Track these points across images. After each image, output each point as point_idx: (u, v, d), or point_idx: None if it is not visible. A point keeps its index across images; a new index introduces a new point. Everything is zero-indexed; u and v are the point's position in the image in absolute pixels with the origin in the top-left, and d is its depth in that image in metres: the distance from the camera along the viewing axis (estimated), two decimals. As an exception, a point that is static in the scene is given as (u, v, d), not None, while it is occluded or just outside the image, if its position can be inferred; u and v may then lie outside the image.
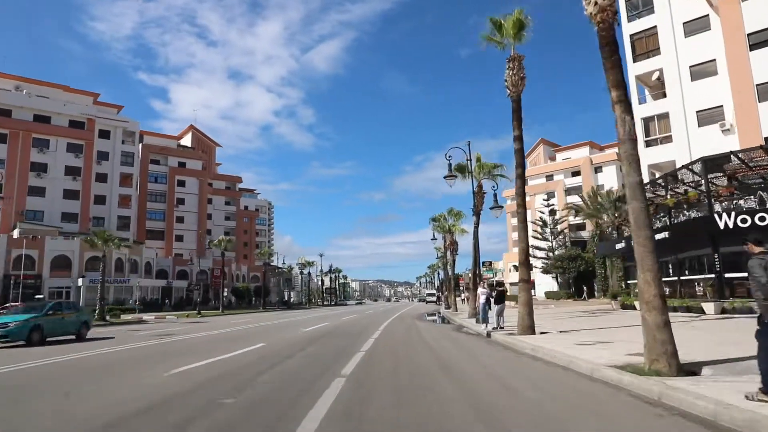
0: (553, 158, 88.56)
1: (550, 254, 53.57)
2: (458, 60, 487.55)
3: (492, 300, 18.51)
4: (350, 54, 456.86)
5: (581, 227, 71.17)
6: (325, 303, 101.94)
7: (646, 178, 33.64)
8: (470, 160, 25.42)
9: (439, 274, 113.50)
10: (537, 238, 56.66)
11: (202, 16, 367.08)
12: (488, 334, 16.42)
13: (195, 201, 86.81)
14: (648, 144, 33.64)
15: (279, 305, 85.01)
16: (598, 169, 79.82)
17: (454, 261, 39.47)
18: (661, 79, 33.28)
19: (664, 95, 33.45)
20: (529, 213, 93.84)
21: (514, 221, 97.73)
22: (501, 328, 17.29)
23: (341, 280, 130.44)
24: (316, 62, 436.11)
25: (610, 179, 78.05)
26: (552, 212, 56.57)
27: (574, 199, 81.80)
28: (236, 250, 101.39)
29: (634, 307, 25.49)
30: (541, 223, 56.32)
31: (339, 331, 20.77)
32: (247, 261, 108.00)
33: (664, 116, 32.88)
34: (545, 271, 52.81)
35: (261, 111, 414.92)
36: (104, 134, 66.52)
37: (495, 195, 24.39)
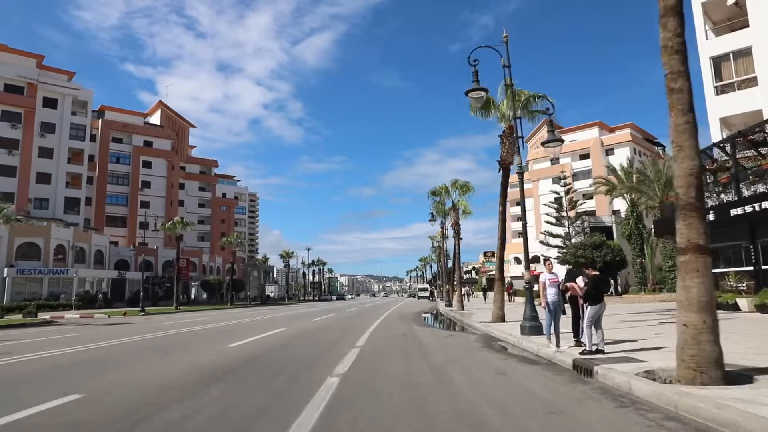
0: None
1: (567, 242, 45.20)
2: (448, 55, 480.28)
3: (575, 296, 10.12)
4: (340, 47, 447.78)
5: (590, 213, 62.92)
6: (308, 298, 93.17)
7: (717, 136, 25.24)
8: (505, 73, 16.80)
9: (431, 267, 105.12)
10: (551, 223, 48.19)
11: (191, 6, 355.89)
12: (577, 368, 7.87)
13: (163, 184, 77.47)
14: (721, 91, 25.20)
15: (252, 301, 76.05)
16: (609, 152, 71.71)
17: (458, 246, 30.87)
18: (739, 3, 24.77)
19: (741, 28, 25.05)
20: (530, 202, 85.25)
21: (514, 210, 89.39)
22: (599, 351, 8.67)
23: (327, 274, 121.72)
24: (306, 55, 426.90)
25: (623, 162, 69.86)
26: (569, 191, 48.15)
27: (584, 184, 73.75)
28: (212, 241, 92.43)
29: None
30: (556, 205, 47.83)
31: (279, 356, 10.62)
32: (224, 252, 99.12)
33: (744, 53, 24.42)
34: (563, 261, 44.38)
35: (250, 104, 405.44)
36: (50, 103, 57.02)
37: (551, 122, 15.72)
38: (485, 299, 46.84)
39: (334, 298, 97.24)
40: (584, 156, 73.94)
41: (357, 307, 44.52)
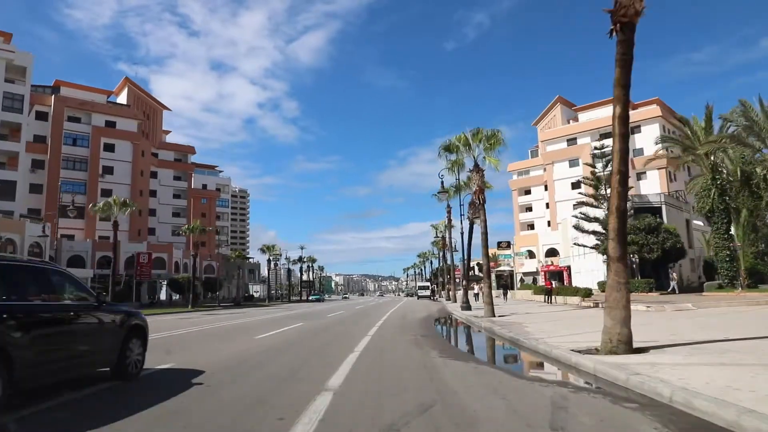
0: (575, 120, 70.64)
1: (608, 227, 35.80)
2: (444, 54, 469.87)
3: None
4: (335, 46, 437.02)
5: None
6: (294, 299, 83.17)
7: None
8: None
9: (431, 263, 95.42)
10: (587, 204, 38.55)
11: (184, 4, 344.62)
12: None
13: (128, 170, 67.51)
14: None
15: (225, 302, 66.12)
16: (634, 129, 62.16)
17: (485, 224, 20.84)
18: None
19: None
20: (539, 191, 75.71)
21: (522, 199, 79.84)
22: None
23: (319, 272, 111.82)
24: (300, 54, 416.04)
25: (652, 141, 60.31)
26: (608, 163, 38.47)
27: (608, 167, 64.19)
28: (188, 236, 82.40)
29: None
30: (593, 181, 38.16)
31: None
32: (205, 249, 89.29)
33: None
34: (604, 250, 34.63)
35: (244, 103, 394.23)
36: (-24, 66, 47.15)
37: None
38: (505, 299, 37.22)
39: (326, 297, 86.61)
40: (606, 135, 64.38)
41: (344, 310, 34.77)
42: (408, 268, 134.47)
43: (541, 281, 61.00)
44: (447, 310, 29.30)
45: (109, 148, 65.78)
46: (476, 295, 35.19)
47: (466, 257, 31.58)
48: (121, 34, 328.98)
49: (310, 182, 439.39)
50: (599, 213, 36.72)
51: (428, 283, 69.86)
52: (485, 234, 21.17)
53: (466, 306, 25.45)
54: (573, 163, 65.64)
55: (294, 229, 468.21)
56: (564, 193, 66.35)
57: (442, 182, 27.52)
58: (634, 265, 36.33)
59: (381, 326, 17.87)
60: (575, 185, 65.44)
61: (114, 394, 6.35)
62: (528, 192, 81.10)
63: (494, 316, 19.43)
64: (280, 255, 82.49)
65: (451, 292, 44.99)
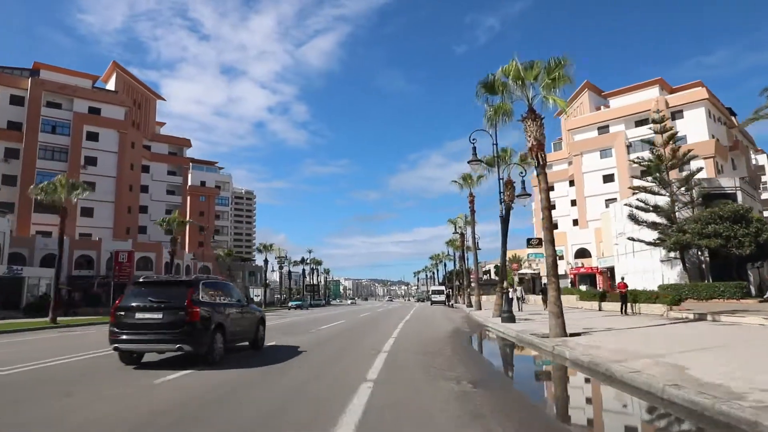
0: (605, 106, 63.20)
1: (674, 216, 28.30)
2: (454, 57, 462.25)
3: None
4: (345, 49, 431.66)
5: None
6: (291, 306, 76.21)
7: None
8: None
9: (445, 265, 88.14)
10: (646, 190, 31.13)
11: (194, 9, 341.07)
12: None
13: (113, 162, 61.08)
14: None
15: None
16: (676, 115, 54.64)
17: (547, 195, 13.70)
18: None
19: None
20: (563, 186, 68.32)
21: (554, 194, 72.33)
22: None
23: (325, 275, 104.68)
24: (310, 57, 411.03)
25: (696, 128, 52.94)
26: (670, 138, 31.24)
27: (644, 156, 56.74)
28: (182, 235, 75.93)
29: None
30: (652, 161, 30.64)
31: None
32: (201, 249, 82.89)
33: None
34: (677, 244, 27.18)
35: (254, 107, 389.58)
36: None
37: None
38: (545, 306, 29.99)
39: (337, 302, 79.05)
40: (642, 122, 57.01)
41: (343, 320, 27.69)
42: (419, 272, 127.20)
43: (568, 284, 53.68)
44: (477, 321, 22.17)
45: (93, 137, 59.41)
46: (512, 301, 28.01)
47: (502, 250, 24.46)
48: (133, 39, 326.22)
49: (320, 186, 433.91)
50: (661, 201, 29.41)
51: (442, 288, 62.55)
52: (547, 210, 14.22)
53: (508, 316, 18.30)
54: (605, 153, 58.25)
55: (303, 233, 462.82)
56: (594, 187, 58.94)
57: (474, 148, 20.35)
58: (703, 265, 29.00)
59: (391, 351, 10.83)
60: (607, 178, 58.09)
61: (256, 356, 10.72)
62: (550, 188, 73.48)
63: (566, 334, 12.35)
64: (285, 257, 75.80)
65: (473, 298, 37.88)
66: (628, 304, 20.27)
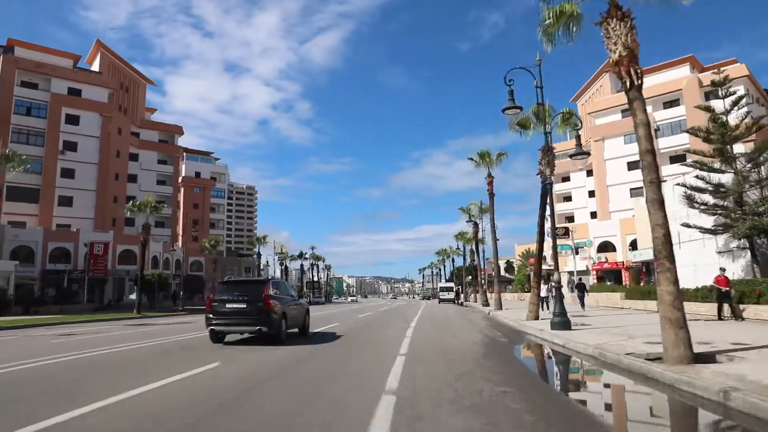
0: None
1: (742, 198, 22.86)
2: (458, 54, 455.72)
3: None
4: (348, 46, 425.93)
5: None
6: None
7: None
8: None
9: (453, 261, 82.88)
10: (699, 166, 25.66)
11: (198, 5, 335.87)
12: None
13: (95, 147, 56.07)
14: None
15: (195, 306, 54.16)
16: (710, 95, 49.12)
17: (649, 140, 8.86)
18: None
19: None
20: (580, 177, 63.14)
21: (559, 187, 67.40)
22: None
23: (325, 271, 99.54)
24: (314, 54, 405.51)
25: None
26: (735, 103, 25.76)
27: (672, 141, 51.36)
28: (173, 228, 71.03)
29: None
30: (714, 132, 25.01)
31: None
32: (197, 243, 78.14)
33: None
34: (746, 233, 21.80)
35: (258, 105, 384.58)
36: None
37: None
38: (583, 307, 24.77)
39: (300, 301, 74.19)
40: (670, 103, 51.59)
41: (338, 322, 22.48)
42: (424, 269, 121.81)
43: (592, 282, 48.44)
44: (509, 326, 16.99)
45: (73, 120, 54.41)
46: (545, 301, 22.87)
47: (538, 233, 19.30)
48: (136, 35, 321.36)
49: (324, 184, 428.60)
50: (725, 178, 24.04)
51: (452, 284, 57.13)
52: (650, 154, 8.97)
53: (562, 321, 13.06)
54: (630, 138, 52.75)
55: (307, 231, 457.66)
56: (618, 175, 53.53)
57: (512, 91, 15.18)
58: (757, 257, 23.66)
59: (403, 393, 5.61)
60: (633, 165, 52.56)
61: (307, 340, 13.07)
62: (566, 179, 68.33)
63: (694, 357, 7.15)
64: (282, 252, 70.70)
65: (492, 295, 32.73)
66: (727, 306, 14.88)
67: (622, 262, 47.56)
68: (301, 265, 73.01)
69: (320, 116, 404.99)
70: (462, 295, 56.90)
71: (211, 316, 11.93)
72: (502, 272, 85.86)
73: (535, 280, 19.03)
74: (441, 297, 54.33)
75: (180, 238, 79.83)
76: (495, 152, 30.06)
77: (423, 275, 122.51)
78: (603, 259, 49.44)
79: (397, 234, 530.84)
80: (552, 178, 18.78)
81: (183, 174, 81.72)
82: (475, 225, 40.61)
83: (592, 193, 64.44)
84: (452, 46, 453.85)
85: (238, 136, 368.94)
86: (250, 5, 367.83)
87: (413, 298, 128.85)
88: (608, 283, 45.07)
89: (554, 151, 18.79)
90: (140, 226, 65.15)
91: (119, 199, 62.33)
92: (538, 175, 18.65)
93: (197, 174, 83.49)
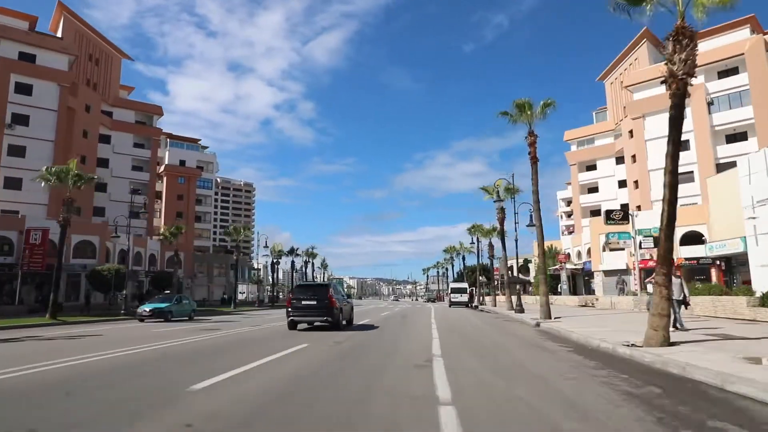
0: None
1: None
2: (462, 55, 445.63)
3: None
4: (352, 46, 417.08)
5: None
6: (270, 304, 62.57)
7: None
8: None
9: (463, 259, 74.32)
10: None
11: (202, 5, 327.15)
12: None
13: (52, 123, 47.74)
14: None
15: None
16: (777, 60, 40.59)
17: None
18: None
19: None
20: (609, 164, 54.82)
21: (583, 177, 58.98)
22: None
23: (321, 270, 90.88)
24: (317, 54, 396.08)
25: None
26: None
27: (730, 116, 42.77)
28: (149, 219, 62.46)
29: None
30: None
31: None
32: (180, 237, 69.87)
33: None
34: None
35: (261, 105, 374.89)
36: None
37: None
38: (678, 318, 16.11)
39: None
40: (727, 72, 43.00)
41: (306, 343, 14.04)
42: (428, 269, 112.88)
43: (633, 283, 40.01)
44: (638, 363, 8.51)
45: (24, 89, 46.09)
46: (680, 304, 14.04)
47: (668, 196, 10.78)
48: (139, 35, 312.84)
49: (326, 184, 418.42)
50: None
51: (465, 284, 48.29)
52: None
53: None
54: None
55: (308, 232, 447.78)
56: (661, 157, 44.96)
57: None
58: None
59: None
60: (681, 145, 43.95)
61: (351, 329, 16.58)
62: (592, 167, 59.84)
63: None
64: (266, 246, 62.08)
65: (538, 299, 24.20)
66: None
67: (673, 259, 39.01)
68: (292, 263, 64.34)
69: (323, 117, 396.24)
70: (474, 298, 48.40)
71: (290, 309, 16.46)
72: (515, 272, 77.40)
73: (661, 271, 10.52)
74: (452, 299, 45.62)
75: (161, 230, 71.54)
76: (538, 103, 21.45)
77: (428, 276, 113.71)
78: (649, 256, 40.78)
79: (398, 235, 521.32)
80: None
81: (166, 162, 73.49)
82: (501, 210, 32.07)
83: (623, 183, 56.00)
84: (455, 47, 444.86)
85: (241, 137, 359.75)
86: (254, 5, 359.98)
87: (416, 300, 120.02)
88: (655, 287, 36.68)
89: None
90: (110, 217, 56.52)
91: (84, 186, 54.06)
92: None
93: (182, 162, 75.22)
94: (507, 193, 31.20)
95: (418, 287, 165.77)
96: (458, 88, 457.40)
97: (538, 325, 17.38)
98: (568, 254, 43.69)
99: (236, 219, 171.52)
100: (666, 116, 37.52)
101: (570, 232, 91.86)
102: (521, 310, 25.18)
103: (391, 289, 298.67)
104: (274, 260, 62.66)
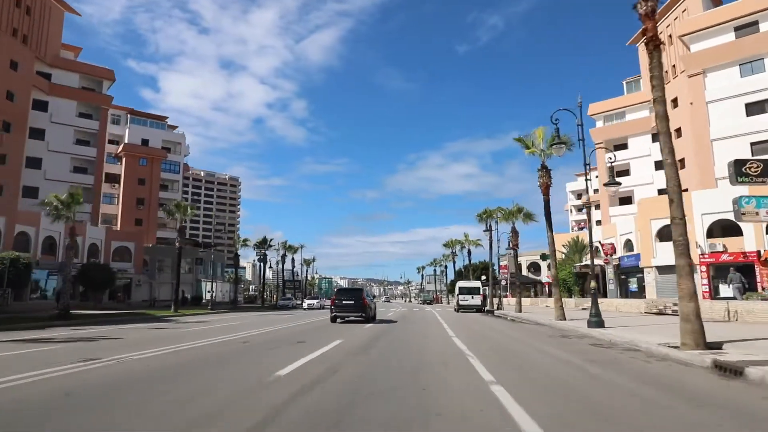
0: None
1: None
2: (455, 57, 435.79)
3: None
4: (346, 45, 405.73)
5: None
6: (245, 305, 51.65)
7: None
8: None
9: (468, 253, 64.23)
10: None
11: (194, 1, 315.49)
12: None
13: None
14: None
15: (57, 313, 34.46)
16: None
17: None
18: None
19: None
20: (642, 142, 44.81)
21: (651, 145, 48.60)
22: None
23: (304, 267, 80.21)
24: (311, 52, 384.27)
25: None
26: None
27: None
28: (94, 204, 51.66)
29: None
30: None
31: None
32: (143, 228, 59.86)
33: None
34: None
35: (253, 103, 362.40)
36: None
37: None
38: None
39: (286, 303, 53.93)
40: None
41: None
42: (423, 267, 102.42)
43: (704, 280, 30.17)
44: None
45: None
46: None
47: None
48: (131, 30, 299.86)
49: (318, 184, 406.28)
50: None
51: (478, 284, 37.18)
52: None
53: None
54: (750, 68, 34.37)
55: (300, 231, 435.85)
56: (727, 123, 35.03)
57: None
58: None
59: None
60: (755, 108, 34.15)
61: (373, 322, 20.65)
62: (622, 146, 49.91)
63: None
64: (234, 238, 51.53)
65: (595, 303, 14.24)
66: None
67: (758, 252, 28.91)
68: (264, 255, 53.40)
69: (315, 116, 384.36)
70: (486, 300, 38.17)
71: (333, 308, 20.80)
72: (524, 272, 67.25)
73: None
74: (461, 302, 35.13)
75: (119, 218, 60.86)
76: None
77: (422, 275, 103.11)
78: (719, 248, 30.66)
79: (391, 236, 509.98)
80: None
81: (126, 140, 62.85)
82: (546, 170, 21.85)
83: (659, 165, 46.19)
84: (450, 48, 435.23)
85: (233, 135, 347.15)
86: (248, 2, 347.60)
87: (410, 301, 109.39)
88: (728, 285, 26.58)
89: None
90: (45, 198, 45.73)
91: (11, 160, 43.62)
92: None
93: (144, 142, 64.50)
94: (550, 150, 21.02)
95: (411, 288, 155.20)
96: (451, 89, 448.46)
97: (725, 370, 7.12)
98: (613, 245, 33.79)
99: (221, 214, 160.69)
100: (733, 72, 25.96)
101: (580, 228, 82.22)
102: (598, 323, 14.90)
103: (382, 289, 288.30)
104: (237, 251, 52.32)
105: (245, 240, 50.20)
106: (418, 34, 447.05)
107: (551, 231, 21.38)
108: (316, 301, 49.49)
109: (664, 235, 32.59)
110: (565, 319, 19.83)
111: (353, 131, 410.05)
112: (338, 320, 20.82)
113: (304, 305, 48.22)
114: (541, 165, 21.96)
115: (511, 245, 30.13)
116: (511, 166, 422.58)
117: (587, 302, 36.74)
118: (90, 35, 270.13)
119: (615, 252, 34.88)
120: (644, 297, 33.53)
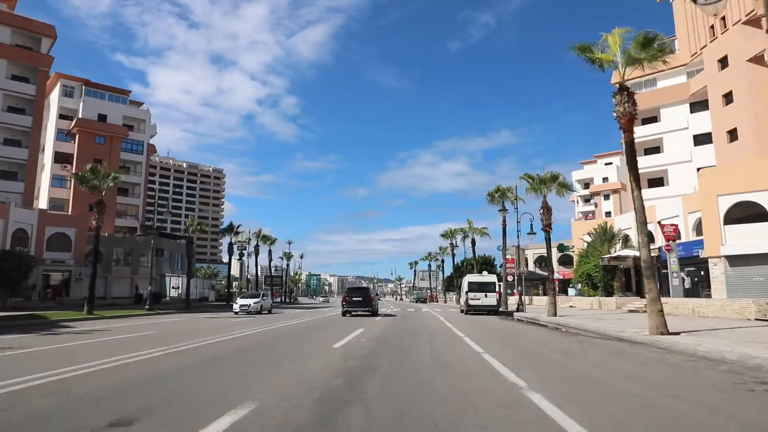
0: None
1: None
2: (447, 54, 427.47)
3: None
4: (337, 41, 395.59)
5: None
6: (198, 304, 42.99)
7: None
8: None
9: (473, 242, 56.23)
10: None
11: None
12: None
13: None
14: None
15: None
16: None
17: None
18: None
19: None
20: (678, 114, 37.94)
21: (639, 132, 41.97)
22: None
23: (284, 260, 71.82)
24: (302, 48, 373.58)
25: None
26: None
27: None
28: (28, 179, 43.05)
29: None
30: None
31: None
32: (88, 212, 50.23)
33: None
34: None
35: (244, 99, 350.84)
36: None
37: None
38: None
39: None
40: None
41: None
42: (416, 263, 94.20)
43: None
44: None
45: None
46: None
47: None
48: (119, 24, 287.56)
49: (309, 181, 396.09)
50: None
51: (493, 277, 28.90)
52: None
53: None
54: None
55: (290, 228, 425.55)
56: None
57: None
58: None
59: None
60: None
61: (380, 315, 25.04)
62: (652, 119, 42.36)
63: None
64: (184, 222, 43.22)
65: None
66: None
67: None
68: (230, 244, 45.01)
69: (306, 113, 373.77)
70: (501, 296, 30.35)
71: (344, 304, 24.53)
72: (531, 267, 59.52)
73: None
74: (471, 301, 27.13)
75: (70, 204, 52.18)
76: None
77: (415, 271, 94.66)
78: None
79: (382, 234, 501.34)
80: None
81: (80, 115, 54.26)
82: (628, 93, 13.99)
83: (701, 139, 39.13)
84: (442, 46, 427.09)
85: (223, 131, 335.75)
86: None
87: (401, 299, 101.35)
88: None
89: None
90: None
91: None
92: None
93: (102, 117, 55.89)
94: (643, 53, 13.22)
95: (401, 285, 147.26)
96: (443, 87, 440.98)
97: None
98: (676, 226, 26.06)
99: (204, 207, 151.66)
100: None
101: (587, 218, 74.76)
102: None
103: (373, 287, 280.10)
104: (191, 237, 44.11)
105: (198, 224, 41.63)
106: (410, 31, 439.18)
107: (639, 188, 13.65)
108: (255, 301, 30.04)
109: (735, 215, 24.92)
110: (668, 332, 11.97)
111: (344, 128, 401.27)
112: (348, 314, 24.22)
113: (235, 307, 29.57)
114: (619, 86, 14.12)
115: (543, 224, 22.17)
116: (502, 165, 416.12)
117: (631, 301, 28.93)
118: (77, 28, 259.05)
119: (678, 235, 26.96)
120: (708, 295, 25.84)
